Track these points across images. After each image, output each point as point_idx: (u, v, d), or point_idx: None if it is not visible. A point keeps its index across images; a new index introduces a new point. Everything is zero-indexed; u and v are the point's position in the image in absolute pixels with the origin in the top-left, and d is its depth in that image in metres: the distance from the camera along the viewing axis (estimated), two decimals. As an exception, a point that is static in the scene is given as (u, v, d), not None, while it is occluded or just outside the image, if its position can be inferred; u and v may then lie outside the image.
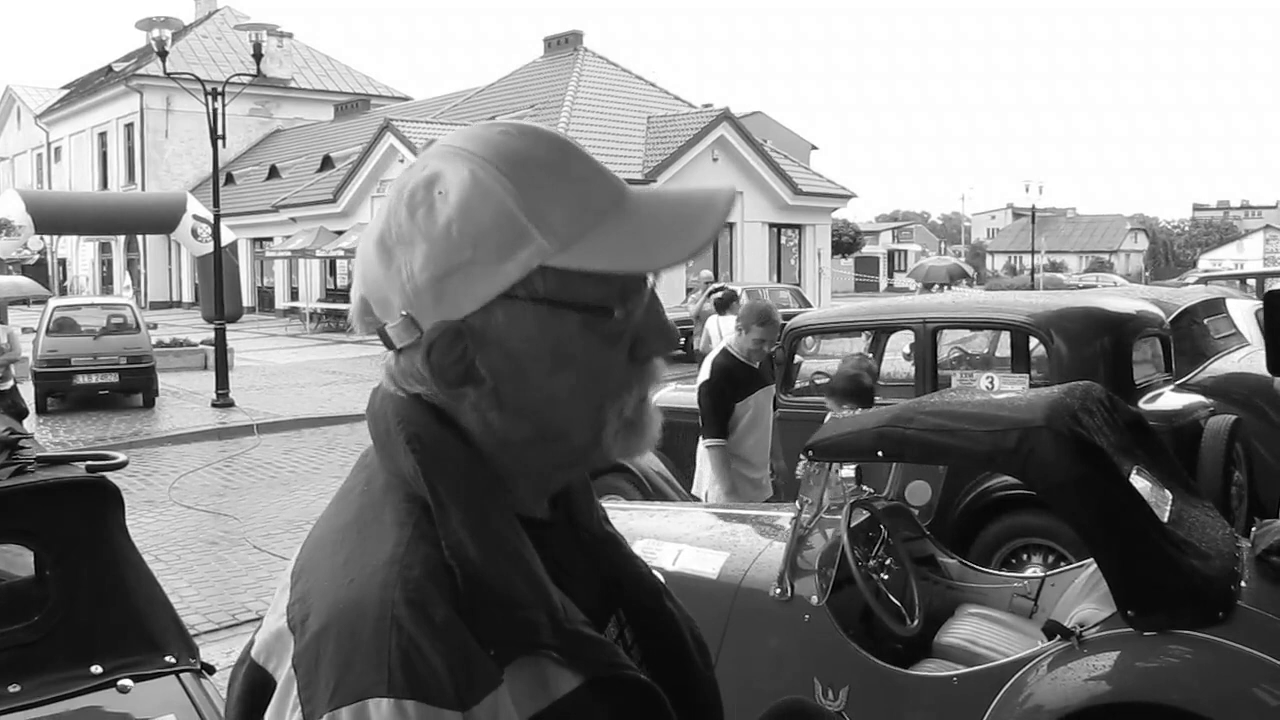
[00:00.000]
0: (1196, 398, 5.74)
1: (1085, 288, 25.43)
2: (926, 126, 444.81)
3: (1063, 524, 4.40)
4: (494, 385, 0.88)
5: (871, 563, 3.59)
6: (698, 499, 5.25)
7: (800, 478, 4.61)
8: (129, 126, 45.23)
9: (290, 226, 34.20)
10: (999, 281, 49.10)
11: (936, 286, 23.92)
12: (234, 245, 29.21)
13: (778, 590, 3.46)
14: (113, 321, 15.40)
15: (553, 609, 0.84)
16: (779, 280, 28.22)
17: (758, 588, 3.52)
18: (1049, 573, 4.08)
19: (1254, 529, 3.33)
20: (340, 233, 29.96)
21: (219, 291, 15.82)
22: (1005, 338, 8.37)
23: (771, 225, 29.71)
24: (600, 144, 25.51)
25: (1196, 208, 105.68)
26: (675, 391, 6.70)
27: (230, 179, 39.15)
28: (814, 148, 52.26)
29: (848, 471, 4.12)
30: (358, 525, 0.87)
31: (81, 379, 14.62)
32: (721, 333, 10.94)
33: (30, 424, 12.24)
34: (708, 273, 19.45)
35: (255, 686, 0.86)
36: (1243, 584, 2.99)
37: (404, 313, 0.87)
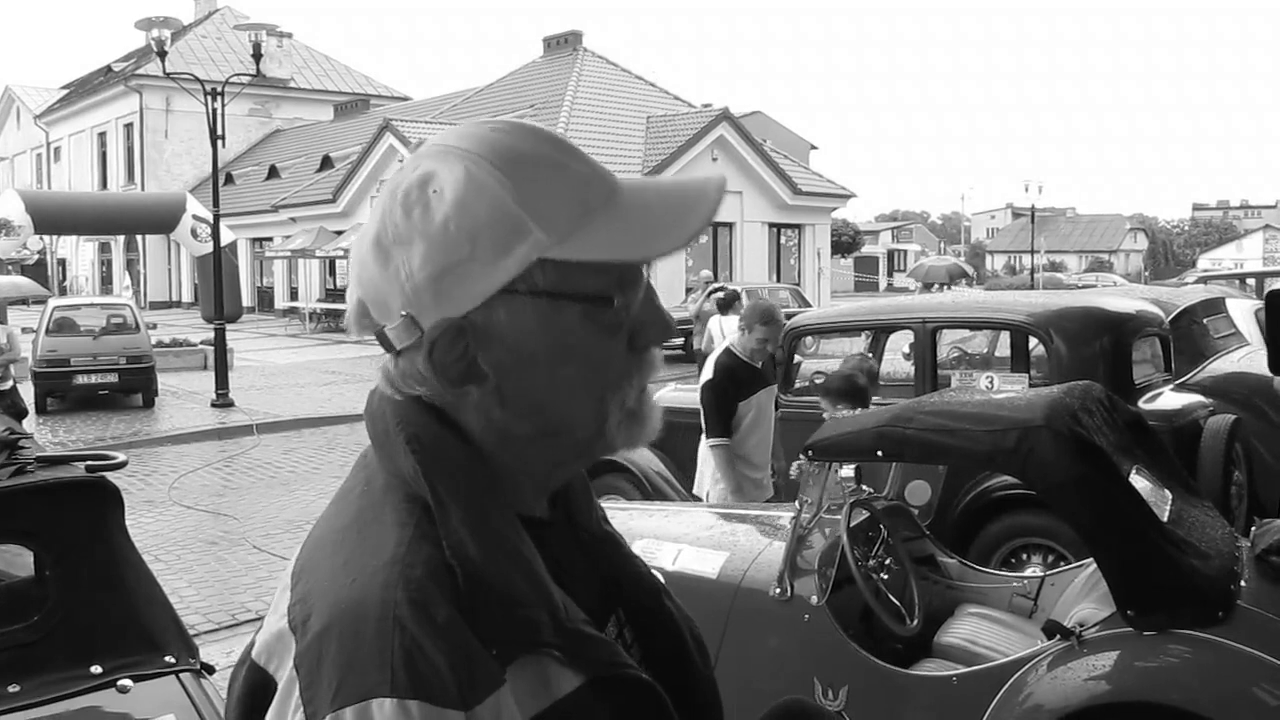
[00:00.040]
0: (1196, 397, 5.74)
1: (1085, 287, 25.37)
2: (926, 126, 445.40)
3: (1062, 524, 4.40)
4: (497, 382, 0.88)
5: (871, 562, 3.59)
6: (698, 499, 5.25)
7: (796, 477, 4.61)
8: (128, 126, 45.21)
9: (290, 226, 34.20)
10: (998, 281, 49.04)
11: (936, 286, 23.95)
12: (233, 245, 29.27)
13: (777, 590, 3.46)
14: (112, 321, 15.40)
15: (554, 608, 0.83)
16: (778, 280, 28.19)
17: (757, 587, 3.53)
18: (1049, 572, 4.09)
19: (1254, 529, 3.33)
20: (340, 233, 29.98)
21: (218, 291, 15.82)
22: (1005, 337, 8.37)
23: (771, 225, 29.69)
24: (600, 144, 25.51)
25: (1196, 207, 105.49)
26: (675, 391, 6.70)
27: (230, 179, 39.15)
28: (814, 147, 52.26)
29: (847, 471, 4.12)
30: (358, 525, 0.87)
31: (81, 379, 14.61)
32: (724, 332, 10.94)
33: (30, 424, 12.24)
34: (707, 273, 19.42)
35: (256, 688, 0.86)
36: (1242, 584, 2.99)
37: (404, 313, 0.87)
